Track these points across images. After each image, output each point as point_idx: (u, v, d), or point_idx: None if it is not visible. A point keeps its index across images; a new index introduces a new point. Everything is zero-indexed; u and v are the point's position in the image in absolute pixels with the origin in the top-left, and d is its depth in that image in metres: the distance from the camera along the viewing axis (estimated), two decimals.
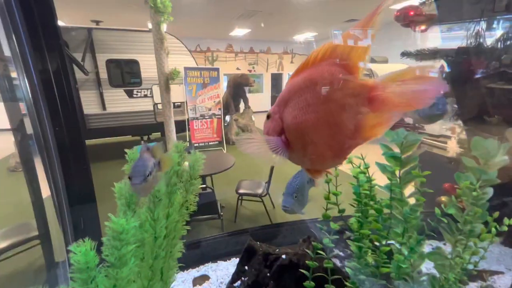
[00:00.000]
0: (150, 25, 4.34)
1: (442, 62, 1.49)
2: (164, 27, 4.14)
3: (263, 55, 12.38)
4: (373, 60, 7.52)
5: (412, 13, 1.46)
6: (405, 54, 1.55)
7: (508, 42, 1.47)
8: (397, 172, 0.59)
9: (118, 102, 5.82)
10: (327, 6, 6.67)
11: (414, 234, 0.57)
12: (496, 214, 0.59)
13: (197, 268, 1.01)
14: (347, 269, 0.58)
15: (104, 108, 5.71)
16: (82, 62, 5.25)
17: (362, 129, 0.32)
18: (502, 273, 1.03)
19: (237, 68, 11.86)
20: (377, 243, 0.57)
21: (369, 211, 0.57)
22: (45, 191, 1.29)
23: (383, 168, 0.60)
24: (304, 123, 0.34)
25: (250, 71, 12.15)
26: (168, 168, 0.56)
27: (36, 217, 1.27)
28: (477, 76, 1.46)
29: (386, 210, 0.61)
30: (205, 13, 7.21)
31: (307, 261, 0.61)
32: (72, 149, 0.83)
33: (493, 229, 0.58)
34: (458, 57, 1.44)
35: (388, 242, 0.58)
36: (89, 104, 5.59)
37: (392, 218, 0.57)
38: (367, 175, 0.59)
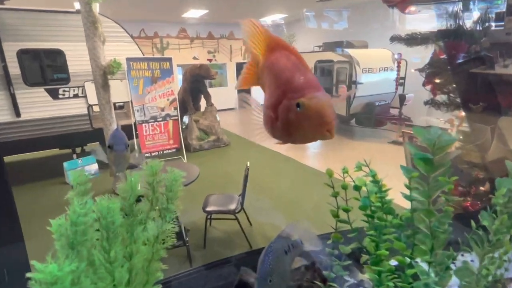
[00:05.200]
0: (77, 5, 4.09)
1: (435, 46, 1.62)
2: (96, 7, 3.94)
3: (225, 41, 12.38)
4: (351, 45, 7.95)
5: None
6: (394, 39, 1.65)
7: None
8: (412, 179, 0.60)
9: (38, 106, 5.36)
10: None
11: (441, 250, 0.59)
12: None
13: None
14: None
15: (17, 114, 5.21)
16: None
17: None
18: None
19: (195, 58, 11.69)
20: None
21: (385, 227, 0.58)
22: None
23: (408, 171, 0.61)
24: None
25: (210, 60, 12.06)
26: None
27: None
28: (467, 61, 1.61)
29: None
30: None
31: None
32: None
33: None
34: (450, 40, 1.57)
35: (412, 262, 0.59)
36: None
37: (416, 234, 0.59)
38: (376, 183, 0.60)
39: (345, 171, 0.59)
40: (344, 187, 0.58)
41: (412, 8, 1.60)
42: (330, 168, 0.60)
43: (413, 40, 1.56)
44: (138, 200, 0.53)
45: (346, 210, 0.58)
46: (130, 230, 0.49)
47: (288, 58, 0.56)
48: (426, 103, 1.83)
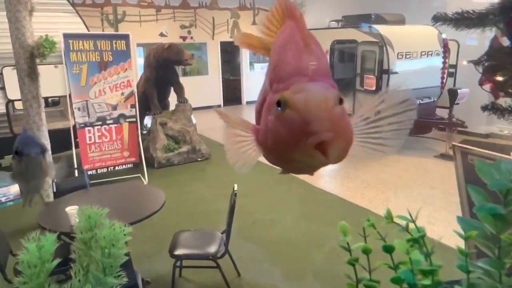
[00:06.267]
0: None
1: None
2: None
3: (205, 12, 12.48)
4: (383, 20, 8.07)
5: None
6: (438, 18, 1.67)
7: None
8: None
9: None
10: None
11: None
12: None
13: None
14: None
15: None
16: None
17: None
18: None
19: (162, 34, 11.74)
20: None
21: None
22: None
23: (470, 227, 0.59)
24: None
25: (184, 38, 12.13)
26: None
27: None
28: None
29: None
30: None
31: None
32: None
33: None
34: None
35: None
36: None
37: None
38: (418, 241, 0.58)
39: (370, 223, 0.56)
40: (366, 251, 0.56)
41: None
42: (344, 223, 0.58)
43: (464, 20, 1.57)
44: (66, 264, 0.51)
45: None
46: None
47: (288, 32, 0.51)
48: (484, 108, 1.84)
